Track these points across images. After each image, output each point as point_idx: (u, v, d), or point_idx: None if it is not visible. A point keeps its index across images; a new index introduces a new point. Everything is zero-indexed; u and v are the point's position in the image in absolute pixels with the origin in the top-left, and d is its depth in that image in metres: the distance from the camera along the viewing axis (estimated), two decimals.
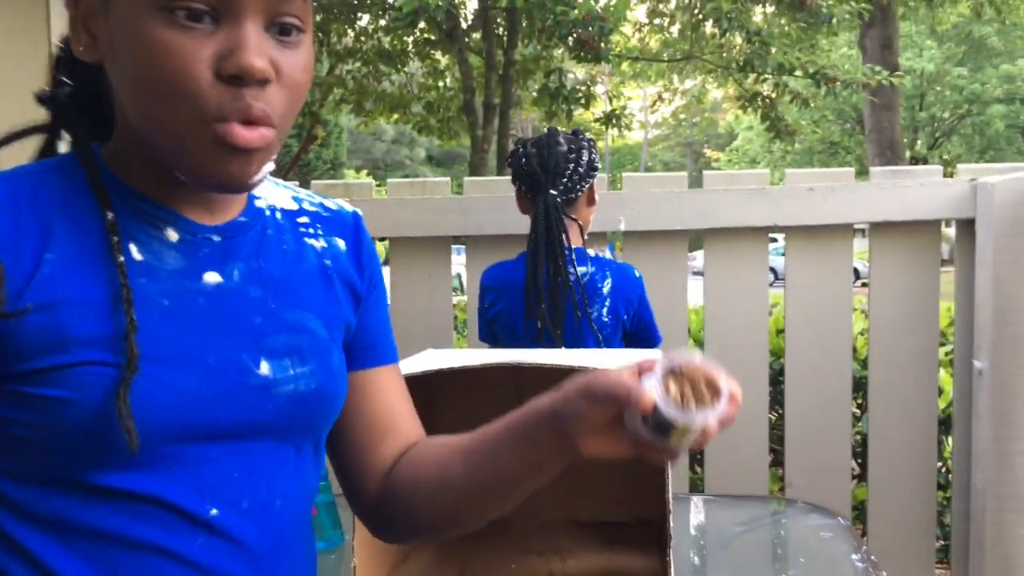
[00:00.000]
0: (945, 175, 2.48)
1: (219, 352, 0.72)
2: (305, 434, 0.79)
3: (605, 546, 1.56)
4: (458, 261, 4.02)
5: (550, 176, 1.98)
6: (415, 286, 2.54)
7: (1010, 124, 21.10)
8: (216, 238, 0.76)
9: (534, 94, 6.84)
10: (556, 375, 1.30)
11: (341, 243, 0.86)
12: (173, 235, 0.73)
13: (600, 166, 2.08)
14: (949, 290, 2.50)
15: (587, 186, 2.03)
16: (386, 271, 2.47)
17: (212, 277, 0.74)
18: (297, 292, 0.79)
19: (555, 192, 1.97)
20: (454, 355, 1.55)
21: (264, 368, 0.75)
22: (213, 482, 0.72)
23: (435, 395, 1.68)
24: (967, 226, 2.39)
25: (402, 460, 0.88)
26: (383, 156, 28.24)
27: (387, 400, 0.89)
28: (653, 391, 0.71)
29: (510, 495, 0.82)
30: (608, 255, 2.44)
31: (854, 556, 1.66)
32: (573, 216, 2.00)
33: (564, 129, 2.13)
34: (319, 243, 0.84)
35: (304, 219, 0.84)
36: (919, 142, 22.50)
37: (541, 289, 1.94)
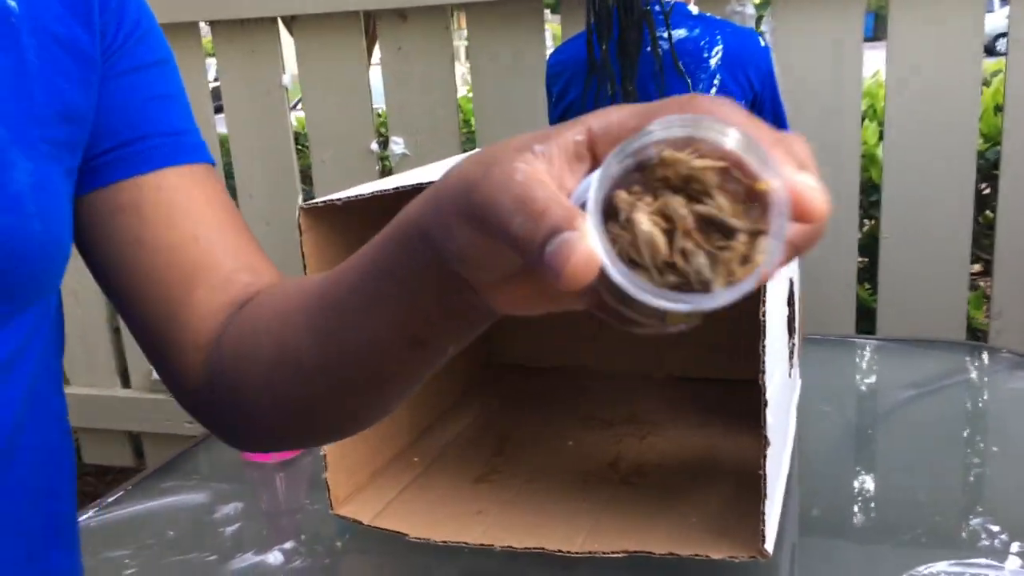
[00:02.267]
0: None
1: None
2: None
3: (702, 419, 1.10)
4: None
5: None
6: (500, 67, 2.04)
7: None
8: None
9: None
10: None
11: None
12: None
13: None
14: None
15: None
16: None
17: None
18: None
19: None
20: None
21: None
22: None
23: None
24: None
25: (234, 319, 0.53)
26: None
27: (188, 221, 0.55)
28: (590, 233, 0.30)
29: (385, 383, 0.46)
30: (750, 15, 1.81)
31: None
32: None
33: None
34: None
35: None
36: None
37: (606, 33, 1.40)
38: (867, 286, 2.20)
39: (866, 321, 2.12)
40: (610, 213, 0.30)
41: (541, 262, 0.30)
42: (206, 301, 0.53)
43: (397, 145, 2.07)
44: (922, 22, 1.80)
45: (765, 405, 0.80)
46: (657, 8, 1.42)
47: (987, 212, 2.22)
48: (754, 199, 0.29)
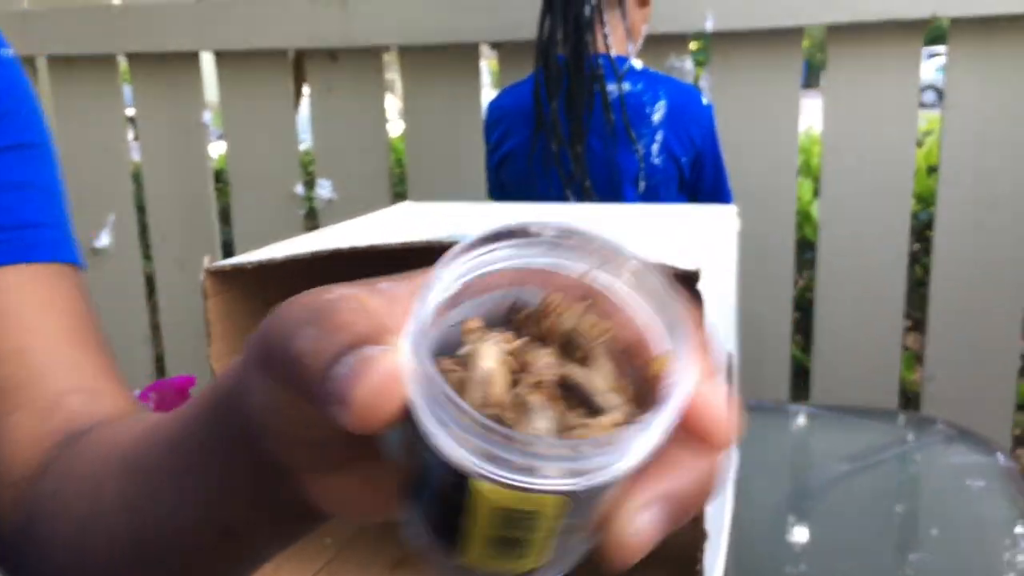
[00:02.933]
0: None
1: None
2: None
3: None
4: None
5: None
6: (433, 112, 1.99)
7: None
8: None
9: None
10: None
11: None
12: None
13: None
14: None
15: None
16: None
17: None
18: None
19: None
20: (420, 216, 1.02)
21: None
22: None
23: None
24: None
25: (58, 458, 0.44)
26: None
27: (16, 330, 0.47)
28: (401, 351, 0.22)
29: (192, 572, 0.37)
30: (689, 71, 1.80)
31: (1019, 527, 1.08)
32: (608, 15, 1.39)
33: None
34: None
35: None
36: None
37: (556, 90, 1.37)
38: (801, 343, 2.20)
39: (801, 379, 2.11)
40: (451, 345, 0.23)
41: (323, 390, 0.22)
42: (25, 427, 0.45)
43: (324, 188, 2.00)
44: (857, 83, 1.82)
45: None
46: (607, 64, 1.39)
47: (917, 269, 2.24)
48: (647, 381, 0.23)
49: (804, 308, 2.12)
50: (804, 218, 2.13)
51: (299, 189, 2.04)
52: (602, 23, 1.40)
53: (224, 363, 0.82)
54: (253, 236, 2.04)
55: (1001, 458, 1.24)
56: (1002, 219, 1.80)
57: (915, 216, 2.08)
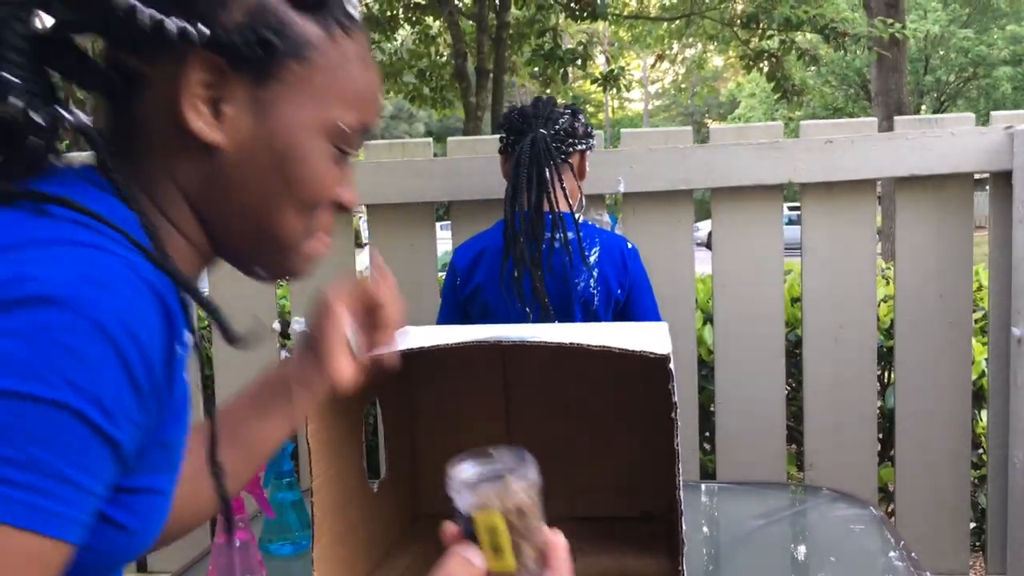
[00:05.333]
0: None
1: None
2: None
3: (610, 545, 1.37)
4: (443, 237, 3.80)
5: (541, 120, 1.79)
6: (397, 256, 2.33)
7: (1017, 86, 20.71)
8: None
9: (527, 56, 6.56)
10: (545, 353, 1.08)
11: None
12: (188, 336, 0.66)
13: (595, 139, 1.90)
14: (980, 251, 2.28)
15: (580, 150, 1.84)
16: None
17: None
18: None
19: (545, 132, 1.77)
20: (434, 332, 1.34)
21: None
22: None
23: (415, 377, 1.49)
24: (1003, 179, 2.16)
25: None
26: (381, 132, 27.87)
27: None
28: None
29: None
30: (606, 221, 2.22)
31: (892, 553, 1.46)
32: (562, 179, 1.78)
33: (562, 100, 1.94)
34: None
35: None
36: (924, 107, 22.13)
37: (523, 230, 1.74)
38: (706, 449, 2.57)
39: (704, 474, 2.46)
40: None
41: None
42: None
43: (299, 324, 2.28)
44: (736, 233, 2.27)
45: (683, 544, 1.07)
46: (557, 216, 1.76)
47: (790, 382, 2.67)
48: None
49: (706, 416, 2.50)
50: (699, 342, 2.56)
51: (276, 325, 2.31)
52: (560, 182, 1.78)
53: (316, 440, 1.12)
54: (231, 368, 2.27)
55: (872, 510, 1.64)
56: (852, 335, 2.26)
57: (786, 338, 2.54)
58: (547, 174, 1.74)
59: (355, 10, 0.74)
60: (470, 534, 0.61)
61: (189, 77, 0.66)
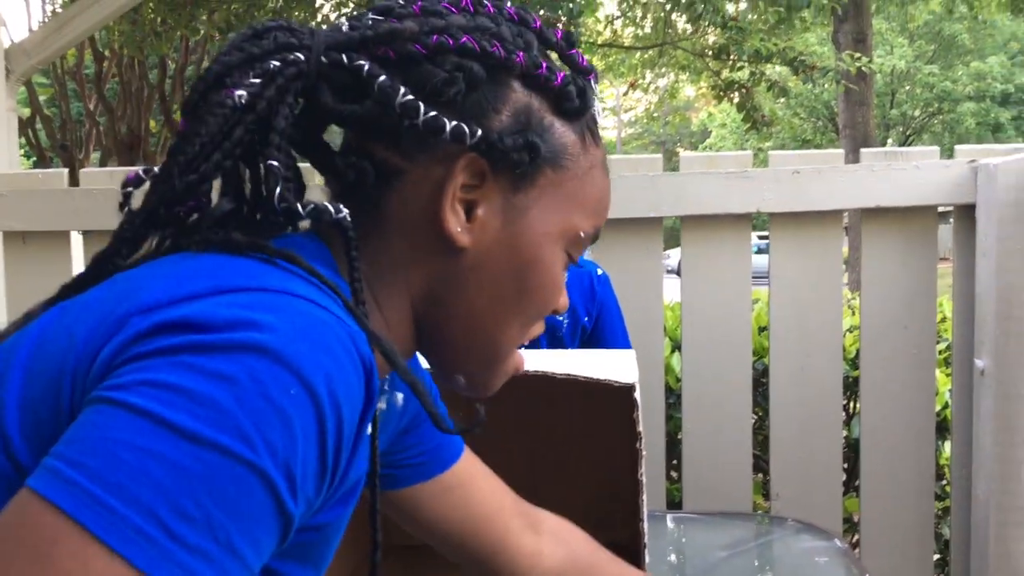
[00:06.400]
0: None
1: None
2: None
3: None
4: None
5: None
6: None
7: (980, 122, 21.16)
8: None
9: None
10: (509, 380, 1.07)
11: None
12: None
13: None
14: (943, 282, 2.31)
15: None
16: None
17: None
18: None
19: None
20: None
21: None
22: None
23: None
24: (967, 212, 2.19)
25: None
26: None
27: None
28: None
29: None
30: None
31: None
32: None
33: None
34: None
35: None
36: (890, 140, 22.52)
37: None
38: (673, 478, 2.56)
39: (671, 504, 2.45)
40: None
41: None
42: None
43: None
44: (706, 262, 2.28)
45: None
46: None
47: (757, 410, 2.68)
48: None
49: (673, 445, 2.49)
50: (667, 370, 2.55)
51: None
52: None
53: None
54: None
55: (837, 542, 1.64)
56: (819, 365, 2.27)
57: (753, 367, 2.55)
58: None
59: (600, 118, 0.75)
60: None
61: (455, 179, 0.65)
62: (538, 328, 0.73)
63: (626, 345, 1.83)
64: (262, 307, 0.51)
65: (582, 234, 0.71)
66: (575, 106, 0.70)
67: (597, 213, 0.73)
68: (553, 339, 1.78)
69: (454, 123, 0.63)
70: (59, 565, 0.44)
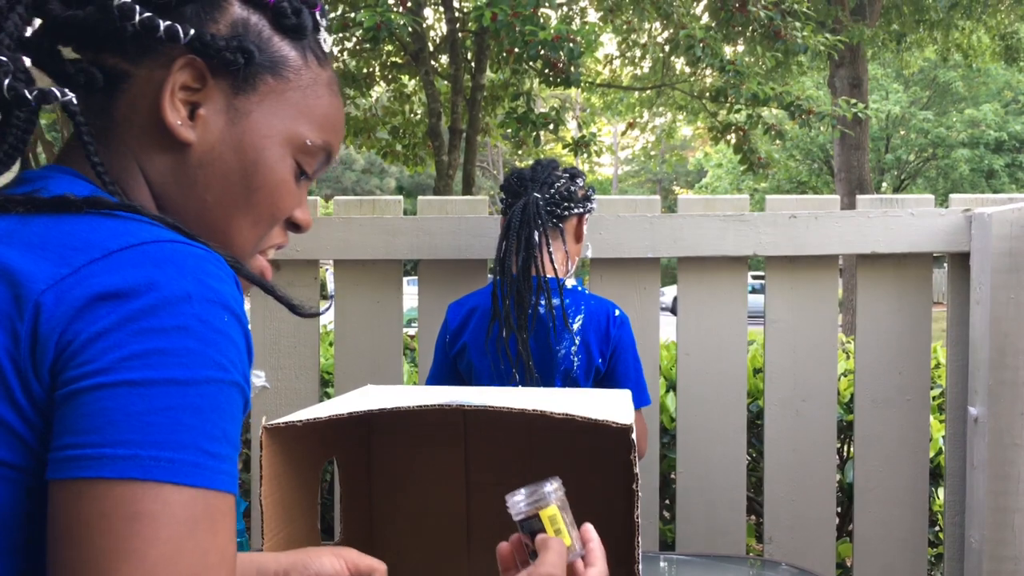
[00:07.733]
0: None
1: None
2: None
3: None
4: (410, 292, 3.79)
5: (537, 183, 1.80)
6: (362, 312, 2.31)
7: (974, 168, 21.34)
8: None
9: (500, 118, 6.65)
10: (508, 418, 1.08)
11: None
12: None
13: (594, 202, 1.91)
14: (937, 326, 2.32)
15: (577, 213, 1.86)
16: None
17: None
18: None
19: (539, 196, 1.78)
20: (395, 393, 1.33)
21: None
22: None
23: (374, 438, 1.47)
24: (961, 260, 2.21)
25: None
26: (352, 186, 27.92)
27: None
28: None
29: None
30: (574, 282, 2.23)
31: None
32: (553, 243, 1.80)
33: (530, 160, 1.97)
34: None
35: None
36: (884, 184, 22.69)
37: (509, 293, 1.74)
38: (666, 517, 2.55)
39: (664, 545, 2.44)
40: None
41: None
42: None
43: (258, 379, 2.25)
44: (702, 302, 2.29)
45: None
46: (545, 283, 1.77)
47: (751, 451, 2.68)
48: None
49: (667, 484, 2.49)
50: (662, 409, 2.56)
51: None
52: (548, 247, 1.78)
53: (269, 502, 1.10)
54: None
55: None
56: (813, 408, 2.28)
57: (748, 408, 2.55)
58: (535, 238, 1.75)
59: (327, 46, 0.81)
60: (532, 532, 0.86)
61: (173, 76, 0.71)
62: (278, 237, 0.80)
63: (638, 386, 1.82)
64: (157, 261, 0.61)
65: (308, 142, 0.77)
66: (293, 23, 0.76)
67: (324, 128, 0.78)
68: (567, 378, 1.79)
69: (168, 23, 0.69)
70: (147, 516, 0.56)
